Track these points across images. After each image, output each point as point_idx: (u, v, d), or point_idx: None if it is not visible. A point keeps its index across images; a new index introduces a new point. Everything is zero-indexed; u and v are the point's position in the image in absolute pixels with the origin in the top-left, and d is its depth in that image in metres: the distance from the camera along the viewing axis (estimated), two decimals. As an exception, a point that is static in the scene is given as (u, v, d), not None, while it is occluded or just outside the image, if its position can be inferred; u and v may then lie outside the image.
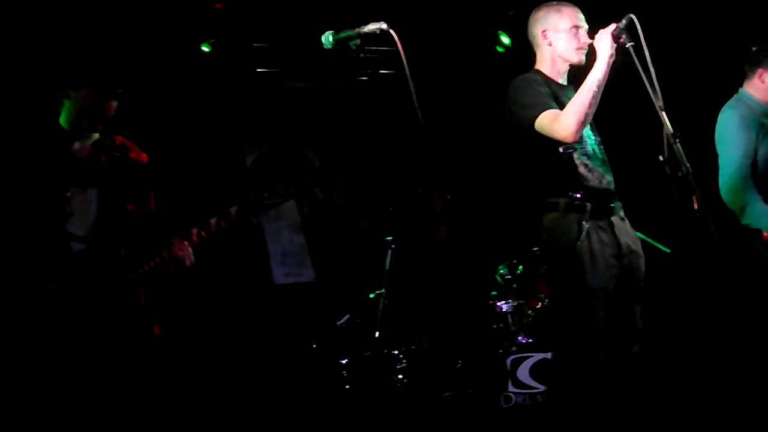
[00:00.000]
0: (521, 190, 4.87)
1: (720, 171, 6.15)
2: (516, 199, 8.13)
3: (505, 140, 4.83)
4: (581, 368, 4.54)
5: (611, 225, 4.73)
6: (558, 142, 4.55)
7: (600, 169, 4.74)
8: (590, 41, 4.71)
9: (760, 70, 6.17)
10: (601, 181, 4.71)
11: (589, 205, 4.61)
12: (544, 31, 4.84)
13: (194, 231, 4.54)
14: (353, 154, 8.79)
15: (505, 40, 8.63)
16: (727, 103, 6.24)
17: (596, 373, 4.53)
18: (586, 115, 4.45)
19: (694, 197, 4.22)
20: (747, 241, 6.07)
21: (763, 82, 6.16)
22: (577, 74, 4.77)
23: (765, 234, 5.98)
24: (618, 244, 4.70)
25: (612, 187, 4.79)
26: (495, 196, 8.86)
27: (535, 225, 4.79)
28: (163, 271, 4.50)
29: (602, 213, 4.69)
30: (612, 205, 4.76)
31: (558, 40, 4.81)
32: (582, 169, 4.66)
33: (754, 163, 6.05)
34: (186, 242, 4.53)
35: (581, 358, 4.55)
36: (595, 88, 4.45)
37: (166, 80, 7.57)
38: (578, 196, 4.60)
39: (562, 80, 4.86)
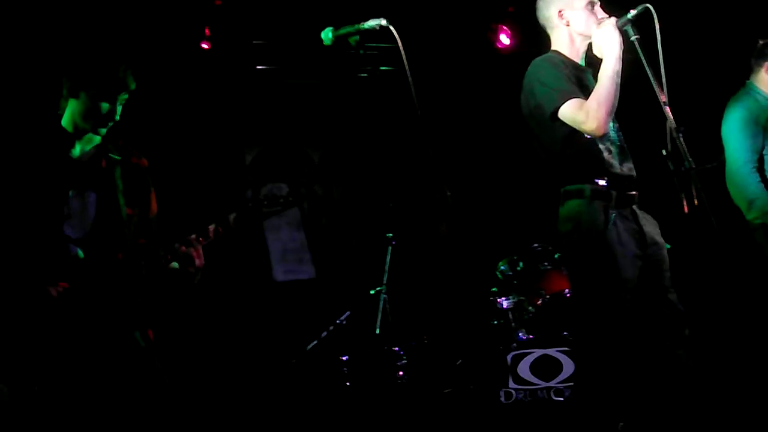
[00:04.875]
0: (536, 178, 4.76)
1: (726, 165, 6.15)
2: (518, 194, 8.14)
3: (519, 124, 4.74)
4: (607, 363, 4.43)
5: (634, 214, 4.62)
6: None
7: (620, 156, 4.65)
8: (607, 15, 4.66)
9: (767, 64, 6.17)
10: (623, 168, 4.62)
11: (614, 193, 4.51)
12: (560, 11, 4.71)
13: (193, 237, 4.51)
14: (353, 151, 8.79)
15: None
16: (735, 96, 6.25)
17: (622, 370, 4.44)
18: (613, 106, 4.36)
19: (695, 192, 4.20)
20: (749, 236, 6.07)
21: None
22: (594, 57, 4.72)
23: None
24: (643, 233, 4.60)
25: (633, 173, 4.68)
26: (496, 193, 8.86)
27: (544, 216, 4.69)
28: (170, 269, 4.49)
29: (625, 201, 4.57)
30: (633, 193, 4.62)
31: (576, 18, 4.69)
32: (606, 155, 4.53)
33: (761, 157, 6.07)
34: (201, 239, 4.52)
35: (608, 352, 4.44)
36: (616, 79, 4.38)
37: (165, 78, 7.55)
38: (603, 183, 4.50)
39: (582, 61, 4.76)
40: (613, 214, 4.46)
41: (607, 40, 4.49)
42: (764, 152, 6.08)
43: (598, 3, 4.74)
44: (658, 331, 4.56)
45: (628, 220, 4.56)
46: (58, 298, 4.18)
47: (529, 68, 4.67)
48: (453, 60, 8.82)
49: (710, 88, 6.79)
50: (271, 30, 7.93)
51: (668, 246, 6.33)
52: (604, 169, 4.51)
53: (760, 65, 6.22)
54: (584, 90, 4.53)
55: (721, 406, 5.81)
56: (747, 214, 6.04)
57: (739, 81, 6.34)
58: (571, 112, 4.41)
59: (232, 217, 4.56)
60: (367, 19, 4.14)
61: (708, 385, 6.12)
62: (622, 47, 4.45)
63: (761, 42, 6.26)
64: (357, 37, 4.16)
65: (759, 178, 6.03)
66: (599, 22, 4.66)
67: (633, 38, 4.35)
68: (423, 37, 7.63)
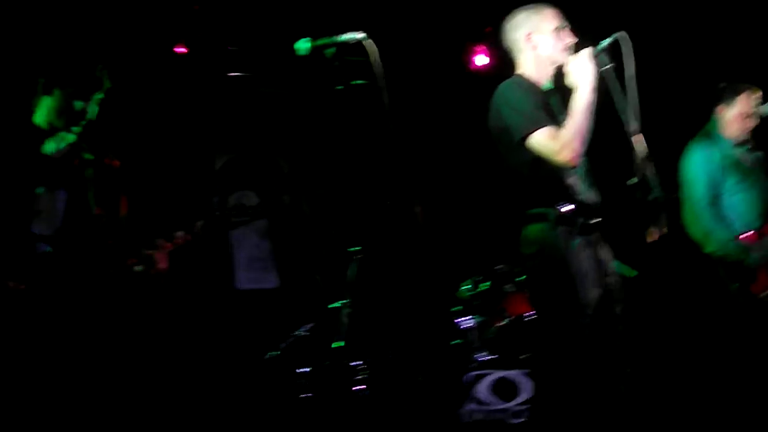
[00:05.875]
0: (502, 200, 4.76)
1: (684, 203, 6.24)
2: (486, 214, 8.14)
3: (488, 147, 4.74)
4: (567, 387, 4.43)
5: (596, 242, 4.64)
6: None
7: (586, 182, 4.65)
8: (574, 40, 4.67)
9: (720, 106, 6.33)
10: (588, 195, 4.62)
11: (579, 219, 4.51)
12: (528, 35, 4.71)
13: (159, 241, 4.50)
14: (324, 163, 8.77)
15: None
16: (696, 137, 6.39)
17: (580, 392, 4.44)
18: (586, 137, 4.39)
19: (663, 222, 4.21)
20: (713, 270, 6.13)
21: (723, 117, 6.31)
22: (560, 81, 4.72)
23: (747, 235, 6.07)
24: (603, 262, 4.62)
25: (598, 201, 4.68)
26: (464, 212, 8.87)
27: (510, 237, 4.68)
28: (134, 271, 4.48)
29: (589, 228, 4.58)
30: (597, 220, 4.63)
31: (543, 42, 4.68)
32: (572, 180, 4.54)
33: (717, 196, 6.19)
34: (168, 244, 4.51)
35: (567, 376, 4.44)
36: (590, 110, 4.40)
37: (140, 80, 7.51)
38: (568, 208, 4.49)
39: (547, 84, 4.76)
40: (577, 240, 4.47)
41: (581, 71, 4.50)
42: (720, 190, 6.20)
43: (566, 27, 4.75)
44: (604, 363, 4.58)
45: (590, 247, 4.57)
46: (16, 294, 4.16)
47: (496, 90, 4.66)
48: (429, 78, 8.83)
49: (681, 117, 6.85)
50: (247, 37, 7.91)
51: (635, 273, 6.37)
52: (570, 195, 4.51)
53: (716, 108, 6.36)
54: (551, 115, 4.54)
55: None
56: (705, 247, 6.12)
57: (707, 114, 6.44)
58: (543, 141, 4.41)
59: (199, 224, 4.56)
60: (345, 32, 4.13)
61: (668, 414, 6.17)
62: (596, 78, 4.46)
63: (722, 85, 6.39)
64: (333, 49, 4.16)
65: (715, 212, 6.14)
66: (566, 47, 4.67)
67: (606, 67, 4.36)
68: (400, 54, 7.62)
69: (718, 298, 6.12)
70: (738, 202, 6.22)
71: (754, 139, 6.41)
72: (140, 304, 6.17)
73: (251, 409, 7.02)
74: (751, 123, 6.32)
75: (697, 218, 6.16)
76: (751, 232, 6.15)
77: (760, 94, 6.33)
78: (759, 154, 6.44)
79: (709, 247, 6.13)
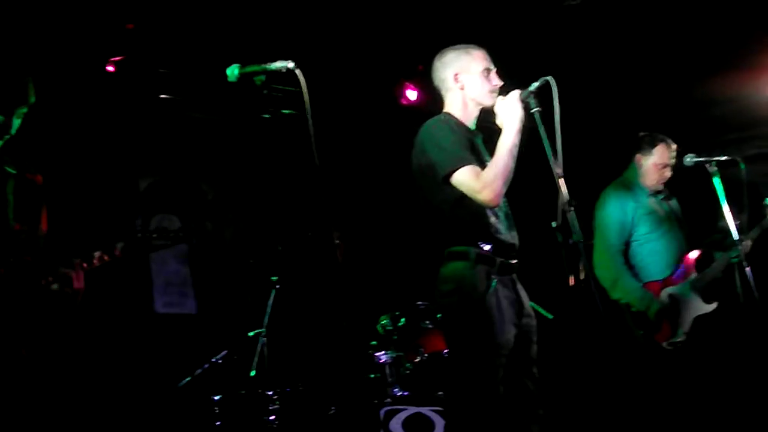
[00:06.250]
0: (423, 237, 4.77)
1: (594, 247, 6.33)
2: (407, 249, 8.15)
3: (411, 182, 4.75)
4: (478, 424, 4.42)
5: (513, 283, 4.67)
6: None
7: (506, 223, 4.69)
8: (502, 83, 4.71)
9: (638, 155, 6.45)
10: (507, 235, 4.65)
11: (498, 259, 4.53)
12: (456, 75, 4.74)
13: (77, 261, 4.45)
14: (247, 191, 8.73)
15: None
16: (611, 184, 6.49)
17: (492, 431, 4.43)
18: (509, 178, 4.43)
19: (581, 266, 4.27)
20: (619, 316, 6.21)
21: (640, 166, 6.44)
22: (485, 120, 4.76)
23: (653, 284, 6.17)
24: (520, 303, 4.64)
25: (517, 242, 4.72)
26: (384, 246, 8.88)
27: (431, 274, 4.69)
28: (50, 290, 4.42)
29: (507, 269, 4.61)
30: (515, 261, 4.67)
31: (471, 83, 4.72)
32: (493, 220, 4.57)
33: (628, 244, 6.29)
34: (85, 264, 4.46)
35: (479, 415, 4.43)
36: (514, 151, 4.44)
37: (67, 96, 7.43)
38: (488, 247, 4.51)
39: (473, 125, 4.79)
40: (495, 280, 4.49)
41: (508, 113, 4.54)
42: (632, 239, 6.31)
43: (494, 70, 4.79)
44: (517, 404, 4.59)
45: (507, 287, 4.60)
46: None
47: (422, 128, 4.69)
48: (358, 111, 8.86)
49: (605, 162, 6.94)
50: (178, 60, 7.87)
51: (551, 316, 6.42)
52: (490, 234, 4.54)
53: (634, 156, 6.48)
54: (476, 155, 4.57)
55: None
56: (612, 293, 6.21)
57: (627, 161, 6.55)
58: (467, 179, 4.44)
59: (119, 246, 4.51)
60: (275, 60, 4.12)
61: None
62: (523, 120, 4.50)
63: (641, 134, 6.52)
64: (263, 77, 4.14)
65: (623, 260, 6.25)
66: (493, 89, 4.72)
67: (534, 110, 4.40)
68: (330, 85, 7.63)
69: (624, 344, 6.19)
70: (650, 250, 6.32)
71: (669, 188, 6.54)
72: (54, 323, 6.10)
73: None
74: (668, 173, 6.45)
75: (606, 264, 6.26)
76: (658, 280, 6.25)
77: (676, 146, 6.46)
78: (674, 203, 6.56)
79: (616, 294, 6.22)
